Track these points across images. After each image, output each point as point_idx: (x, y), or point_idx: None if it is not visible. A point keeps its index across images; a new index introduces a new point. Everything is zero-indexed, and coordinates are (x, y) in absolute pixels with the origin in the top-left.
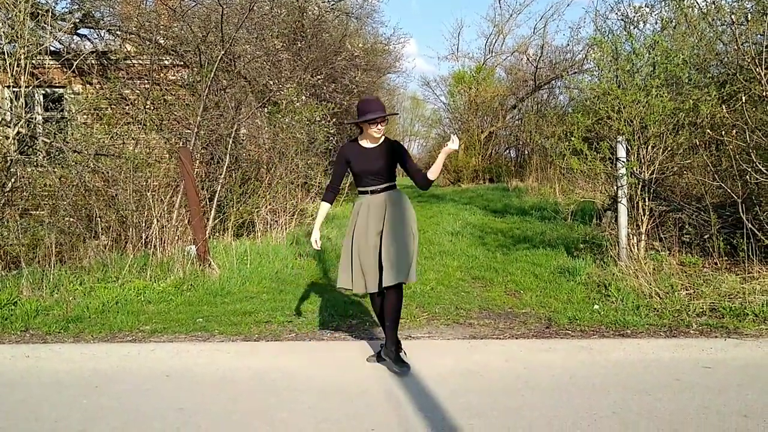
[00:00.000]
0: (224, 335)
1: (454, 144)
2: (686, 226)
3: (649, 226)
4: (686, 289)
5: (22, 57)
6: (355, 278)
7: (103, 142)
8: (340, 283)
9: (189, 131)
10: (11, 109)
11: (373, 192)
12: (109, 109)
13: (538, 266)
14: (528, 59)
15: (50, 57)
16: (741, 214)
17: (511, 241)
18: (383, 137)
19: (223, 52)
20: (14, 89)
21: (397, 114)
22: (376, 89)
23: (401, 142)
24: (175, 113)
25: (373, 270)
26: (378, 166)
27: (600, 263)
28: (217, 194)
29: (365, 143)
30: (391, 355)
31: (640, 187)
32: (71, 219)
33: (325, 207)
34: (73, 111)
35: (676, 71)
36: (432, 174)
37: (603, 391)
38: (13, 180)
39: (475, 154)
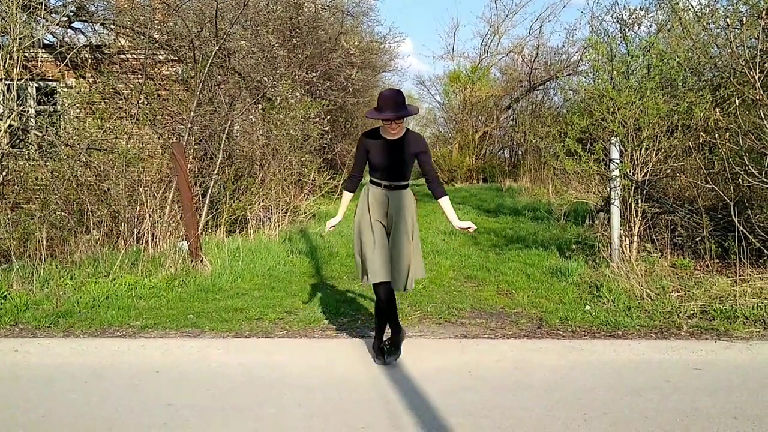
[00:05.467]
0: (215, 331)
1: (468, 228)
2: (678, 229)
3: (642, 228)
4: (677, 291)
5: (15, 49)
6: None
7: (96, 136)
8: (376, 278)
9: (182, 127)
10: (3, 102)
11: (387, 187)
12: (102, 103)
13: (531, 266)
14: (523, 60)
15: (43, 50)
16: (733, 216)
17: (503, 241)
18: (405, 129)
19: (217, 48)
20: (6, 82)
21: (416, 112)
22: (372, 87)
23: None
24: (169, 108)
25: (387, 261)
26: (397, 162)
27: (592, 264)
28: (209, 190)
29: (387, 135)
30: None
31: (633, 188)
32: (62, 213)
33: (347, 196)
34: (66, 104)
35: (671, 74)
36: (442, 201)
37: (593, 391)
38: (4, 173)
39: (469, 154)
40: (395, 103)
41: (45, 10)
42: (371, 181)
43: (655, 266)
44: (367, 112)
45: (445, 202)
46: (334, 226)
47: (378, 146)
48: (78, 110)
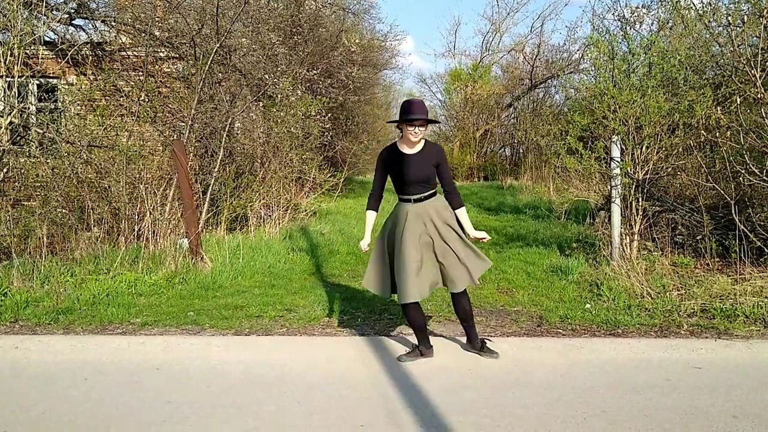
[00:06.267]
0: (215, 329)
1: (482, 238)
2: (679, 227)
3: (642, 227)
4: (678, 290)
5: (16, 46)
6: (386, 283)
7: (97, 133)
8: (409, 298)
9: (183, 124)
10: (4, 99)
11: (416, 201)
12: (102, 100)
13: (531, 265)
14: (524, 58)
15: (44, 47)
16: (734, 215)
17: (504, 239)
18: (423, 141)
19: (218, 45)
20: (7, 79)
21: (438, 122)
22: (372, 85)
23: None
24: (170, 106)
25: (427, 278)
26: (422, 175)
27: (592, 263)
28: (210, 188)
29: (405, 149)
30: (478, 346)
31: (633, 187)
32: (63, 210)
33: (371, 215)
34: (67, 102)
35: (672, 72)
36: (460, 212)
37: (593, 390)
38: (5, 170)
39: (470, 152)
40: (424, 109)
41: (46, 7)
42: (402, 199)
43: (655, 265)
44: (391, 120)
45: (462, 213)
46: (367, 245)
47: (402, 162)
48: (79, 107)
